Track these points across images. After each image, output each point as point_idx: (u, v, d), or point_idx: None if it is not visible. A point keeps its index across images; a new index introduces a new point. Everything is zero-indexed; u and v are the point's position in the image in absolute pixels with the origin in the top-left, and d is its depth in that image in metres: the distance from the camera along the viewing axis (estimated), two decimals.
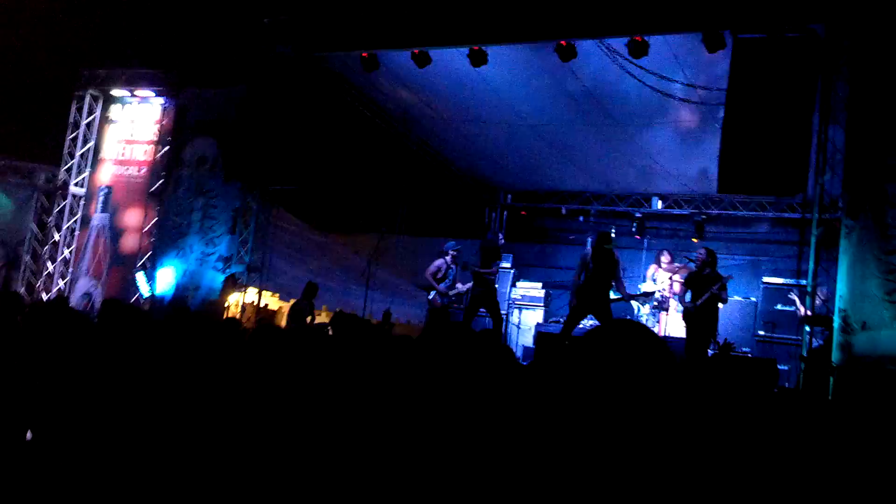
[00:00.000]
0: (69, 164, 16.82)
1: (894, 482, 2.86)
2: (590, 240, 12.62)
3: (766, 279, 13.55)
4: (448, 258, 12.33)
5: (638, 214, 16.36)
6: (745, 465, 2.94)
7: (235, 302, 13.47)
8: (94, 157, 16.83)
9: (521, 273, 16.10)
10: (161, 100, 15.94)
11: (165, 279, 14.16)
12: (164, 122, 15.66)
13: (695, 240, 15.20)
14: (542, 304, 15.04)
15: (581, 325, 11.44)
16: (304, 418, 3.69)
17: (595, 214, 16.87)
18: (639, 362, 3.26)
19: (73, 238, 16.81)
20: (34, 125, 17.35)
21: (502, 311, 12.97)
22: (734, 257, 14.93)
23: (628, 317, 13.34)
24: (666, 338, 12.27)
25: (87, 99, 16.84)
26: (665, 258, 13.89)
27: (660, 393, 3.19)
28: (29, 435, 4.08)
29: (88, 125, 16.86)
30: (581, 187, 16.85)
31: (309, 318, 12.87)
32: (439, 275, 12.26)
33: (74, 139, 16.84)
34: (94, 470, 3.70)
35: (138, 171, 16.23)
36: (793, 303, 12.29)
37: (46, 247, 16.80)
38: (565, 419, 2.92)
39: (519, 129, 13.93)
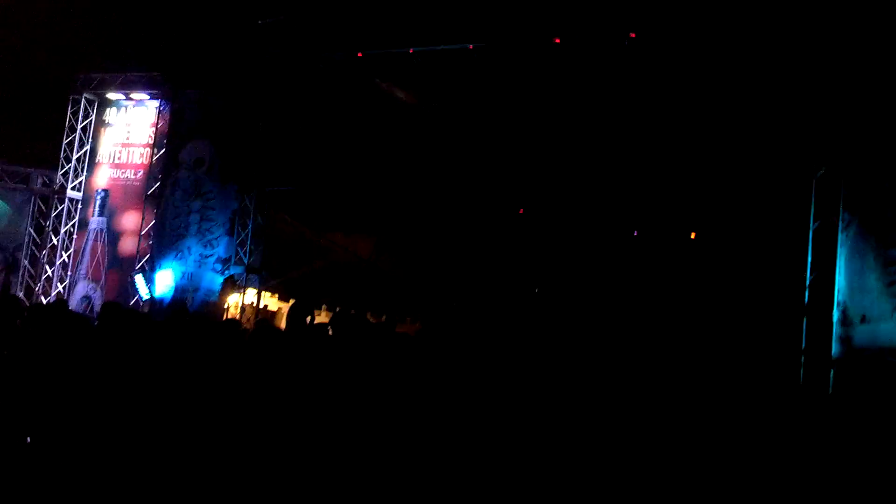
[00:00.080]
0: (66, 168, 16.81)
1: (894, 473, 2.87)
2: None
3: None
4: None
5: None
6: (746, 456, 2.94)
7: (235, 303, 13.46)
8: (91, 161, 16.83)
9: None
10: (156, 103, 15.93)
11: (164, 281, 14.16)
12: (159, 125, 15.65)
13: None
14: None
15: None
16: (305, 417, 3.69)
17: None
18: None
19: (70, 242, 16.80)
20: (30, 129, 17.33)
21: None
22: None
23: None
24: None
25: (83, 103, 16.84)
26: None
27: (654, 384, 3.19)
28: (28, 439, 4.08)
29: (84, 129, 16.86)
30: None
31: (308, 318, 12.84)
32: None
33: (71, 143, 16.83)
34: (95, 470, 3.70)
35: (135, 174, 16.23)
36: None
37: (44, 251, 16.80)
38: (564, 410, 2.92)
39: (520, 129, 13.87)
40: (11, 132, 16.86)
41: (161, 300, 13.97)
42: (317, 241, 17.17)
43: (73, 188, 16.81)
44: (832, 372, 8.54)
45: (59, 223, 16.85)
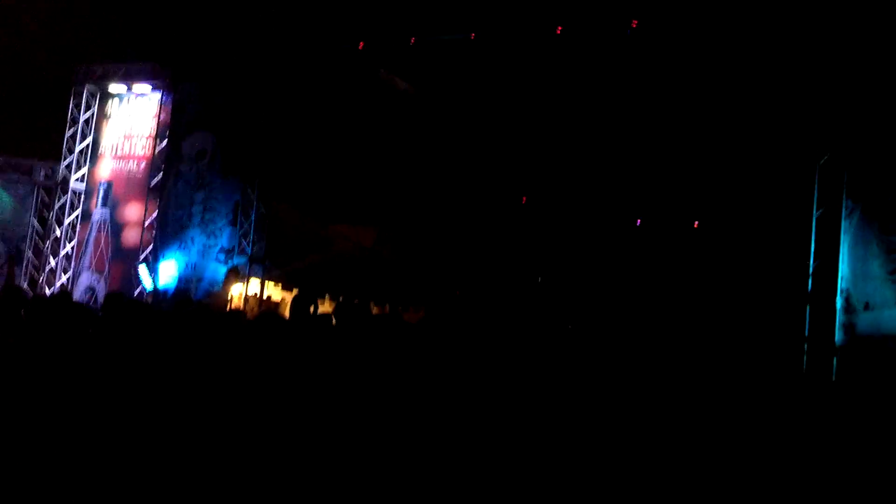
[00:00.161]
0: (69, 160, 16.83)
1: None
2: None
3: None
4: None
5: None
6: (750, 445, 2.95)
7: (238, 293, 13.49)
8: (94, 153, 16.84)
9: None
10: (158, 94, 15.92)
11: (168, 272, 14.18)
12: (161, 117, 15.64)
13: None
14: None
15: None
16: (308, 407, 3.69)
17: None
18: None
19: (74, 233, 16.83)
20: (33, 122, 17.34)
21: None
22: None
23: None
24: None
25: (85, 95, 16.84)
26: None
27: (658, 378, 3.19)
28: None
29: (87, 121, 16.86)
30: None
31: (312, 308, 12.86)
32: None
33: (73, 135, 16.84)
34: (100, 461, 3.71)
35: (137, 165, 16.23)
36: None
37: (48, 242, 16.82)
38: (567, 407, 2.93)
39: (525, 121, 13.84)
40: (14, 124, 16.87)
41: (165, 291, 14.00)
42: (319, 231, 17.17)
43: (76, 180, 16.83)
44: (835, 359, 8.55)
45: (63, 215, 16.88)
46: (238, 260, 13.63)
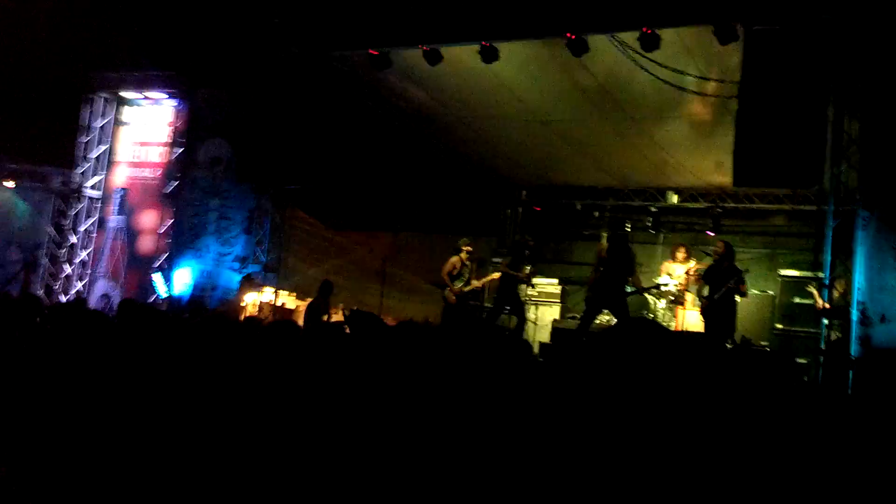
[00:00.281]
0: (84, 168, 16.92)
1: None
2: (605, 234, 12.56)
3: (782, 272, 13.47)
4: (462, 255, 12.32)
5: (653, 209, 16.31)
6: (765, 458, 2.93)
7: (252, 301, 13.52)
8: (109, 160, 16.94)
9: (537, 269, 16.08)
10: (173, 102, 16.01)
11: (182, 280, 14.24)
12: (177, 124, 15.72)
13: (711, 233, 15.13)
14: (558, 301, 15.00)
15: (597, 321, 11.44)
16: (321, 414, 3.69)
17: (610, 210, 16.82)
18: (653, 360, 3.26)
19: (89, 240, 16.92)
20: (48, 129, 17.44)
21: None
22: (751, 250, 14.84)
23: (644, 311, 13.30)
24: (682, 332, 12.23)
25: (100, 102, 16.93)
26: (681, 253, 13.84)
27: (674, 390, 3.18)
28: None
29: (102, 128, 16.96)
30: (596, 182, 16.80)
31: (325, 317, 12.90)
32: (454, 272, 12.26)
33: (88, 142, 16.93)
34: (113, 466, 3.72)
35: (153, 172, 16.32)
36: (810, 295, 12.21)
37: (63, 249, 16.91)
38: (579, 413, 2.91)
39: (532, 125, 13.88)
40: (30, 131, 16.98)
41: (179, 298, 14.05)
42: (334, 239, 17.21)
43: (91, 187, 16.93)
44: (851, 372, 8.50)
45: (78, 222, 16.97)
46: (252, 268, 13.67)
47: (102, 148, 16.95)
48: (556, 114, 13.39)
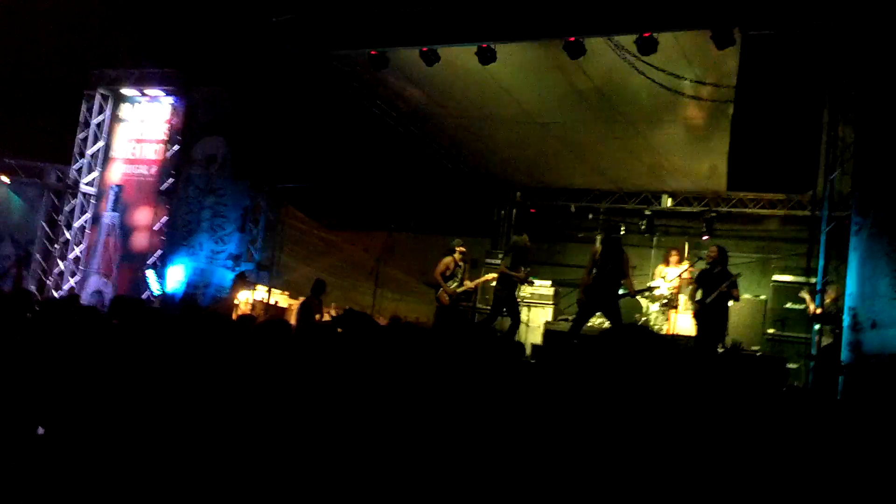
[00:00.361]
0: (79, 164, 16.90)
1: None
2: (599, 237, 12.56)
3: (776, 277, 13.51)
4: (455, 256, 12.32)
5: (647, 212, 16.35)
6: (753, 463, 2.94)
7: (245, 300, 13.51)
8: (105, 156, 16.91)
9: (533, 270, 16.10)
10: (171, 99, 15.98)
11: (176, 277, 14.22)
12: (173, 122, 15.70)
13: (705, 237, 15.18)
14: (551, 302, 15.02)
15: (590, 323, 11.45)
16: (312, 414, 3.70)
17: (604, 212, 16.86)
18: (643, 363, 3.26)
19: (83, 236, 16.89)
20: (44, 125, 17.42)
21: None
22: (744, 255, 14.88)
23: (637, 314, 13.32)
24: (674, 336, 12.25)
25: (98, 98, 16.91)
26: (674, 256, 13.87)
27: (663, 393, 3.19)
28: (41, 430, 4.11)
29: (99, 124, 16.93)
30: (591, 185, 16.84)
31: (318, 316, 12.90)
32: (447, 273, 12.25)
33: (85, 138, 16.91)
34: (106, 460, 3.72)
35: (148, 169, 16.29)
36: (803, 301, 12.24)
37: (57, 245, 16.88)
38: (569, 415, 2.92)
39: (528, 126, 13.90)
40: (26, 127, 16.96)
41: (172, 296, 14.03)
42: (328, 238, 17.22)
43: (86, 183, 16.89)
44: (841, 378, 8.52)
45: (72, 218, 16.94)
46: (246, 266, 13.65)
47: (99, 144, 16.92)
48: (551, 116, 13.42)
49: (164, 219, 15.14)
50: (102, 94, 16.93)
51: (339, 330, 5.11)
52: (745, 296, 12.74)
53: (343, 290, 15.88)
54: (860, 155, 9.05)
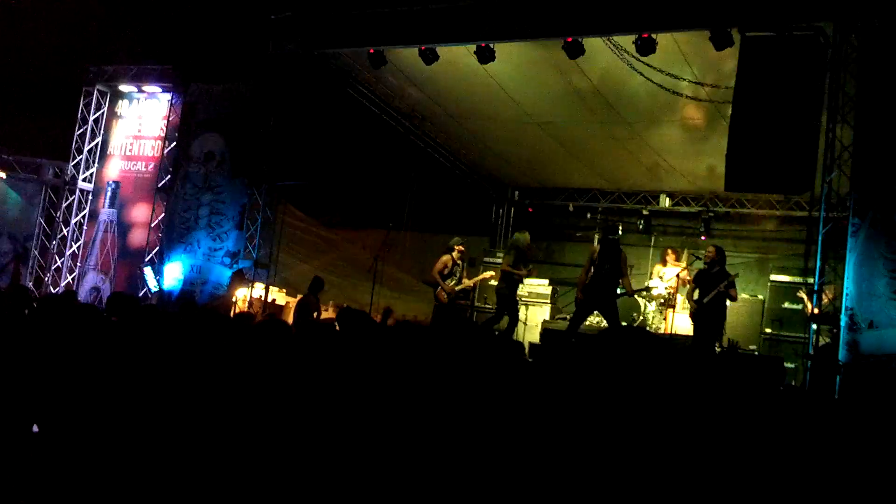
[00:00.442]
0: (77, 160, 16.89)
1: None
2: (597, 237, 12.56)
3: (773, 277, 13.51)
4: (454, 254, 12.32)
5: (645, 212, 16.36)
6: (750, 462, 2.94)
7: (243, 297, 13.50)
8: (102, 153, 16.90)
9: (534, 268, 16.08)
10: (168, 96, 15.96)
11: (173, 274, 14.21)
12: (171, 118, 15.68)
13: (703, 237, 15.19)
14: (548, 301, 15.01)
15: (588, 322, 11.46)
16: (309, 413, 3.69)
17: (602, 211, 16.86)
18: (640, 363, 3.27)
19: (80, 233, 16.87)
20: (42, 121, 17.40)
21: None
22: (742, 255, 14.89)
23: (635, 314, 13.33)
24: (672, 335, 12.26)
25: (95, 95, 16.90)
26: (671, 256, 13.88)
27: (660, 392, 3.20)
28: (35, 428, 4.10)
29: (96, 121, 16.92)
30: (589, 184, 16.85)
31: (315, 314, 12.89)
32: (445, 271, 12.25)
33: (82, 135, 16.89)
34: (102, 458, 3.72)
35: (146, 166, 16.29)
36: (800, 301, 12.25)
37: (54, 241, 16.87)
38: (566, 414, 2.92)
39: (526, 125, 13.91)
40: (24, 123, 16.94)
41: (170, 293, 14.01)
42: (326, 236, 17.20)
43: (84, 179, 16.88)
44: (838, 377, 8.54)
45: (70, 214, 16.93)
46: (243, 263, 13.64)
47: (97, 141, 16.91)
48: (550, 115, 13.43)
49: (162, 216, 15.11)
50: (100, 91, 16.92)
51: (337, 327, 5.11)
52: (743, 295, 12.76)
53: (341, 289, 15.86)
54: (858, 156, 9.07)
